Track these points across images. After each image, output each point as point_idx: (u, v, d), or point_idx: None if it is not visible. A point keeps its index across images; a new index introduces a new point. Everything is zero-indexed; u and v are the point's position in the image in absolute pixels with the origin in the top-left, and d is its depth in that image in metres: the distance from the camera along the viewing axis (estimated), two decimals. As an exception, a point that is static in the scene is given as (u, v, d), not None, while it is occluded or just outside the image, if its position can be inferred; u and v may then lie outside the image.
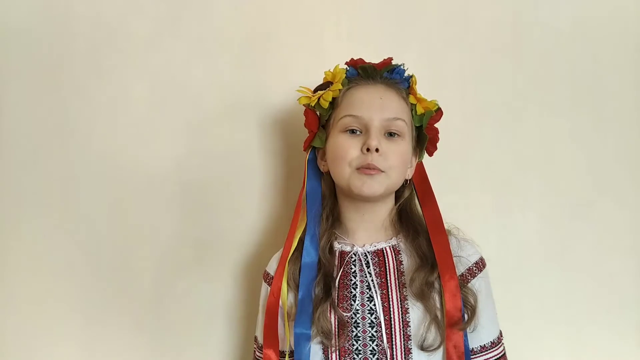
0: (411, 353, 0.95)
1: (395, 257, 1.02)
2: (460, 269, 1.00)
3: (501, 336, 1.03)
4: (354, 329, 0.97)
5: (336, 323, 0.98)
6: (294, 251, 1.04)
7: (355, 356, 0.96)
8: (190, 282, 1.26)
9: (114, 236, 1.27)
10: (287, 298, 1.02)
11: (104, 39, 1.30)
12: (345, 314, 0.98)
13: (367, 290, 0.99)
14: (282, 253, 1.05)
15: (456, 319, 0.95)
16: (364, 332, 0.97)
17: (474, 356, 0.99)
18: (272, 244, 1.23)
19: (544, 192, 1.27)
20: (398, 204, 1.06)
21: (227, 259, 1.26)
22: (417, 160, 1.08)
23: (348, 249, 1.03)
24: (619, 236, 1.28)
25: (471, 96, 1.28)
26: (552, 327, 1.25)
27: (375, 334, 0.97)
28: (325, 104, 1.03)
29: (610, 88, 1.29)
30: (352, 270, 1.01)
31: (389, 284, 0.99)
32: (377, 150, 0.97)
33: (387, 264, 1.01)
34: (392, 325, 0.97)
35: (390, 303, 0.98)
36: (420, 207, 1.06)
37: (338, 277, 1.01)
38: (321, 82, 1.07)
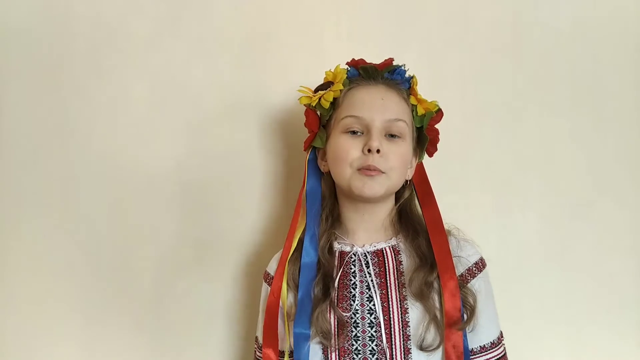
0: (410, 353, 0.95)
1: (395, 257, 1.02)
2: (460, 269, 1.00)
3: (502, 337, 1.03)
4: (353, 329, 0.97)
5: (335, 323, 0.98)
6: (294, 251, 1.04)
7: (354, 356, 0.96)
8: (190, 282, 1.26)
9: (114, 236, 1.27)
10: (286, 298, 1.02)
11: (104, 39, 1.30)
12: (344, 314, 0.98)
13: (367, 290, 0.99)
14: (281, 253, 1.05)
15: (455, 318, 0.95)
16: (364, 332, 0.97)
17: (474, 356, 0.99)
18: (272, 244, 1.23)
19: (544, 192, 1.27)
20: (398, 205, 1.06)
21: (227, 259, 1.26)
22: (417, 161, 1.08)
23: (348, 249, 1.03)
24: (619, 236, 1.28)
25: (471, 96, 1.29)
26: (552, 327, 1.25)
27: (374, 334, 0.97)
28: (326, 104, 1.03)
29: (610, 88, 1.29)
30: (352, 271, 1.01)
31: (388, 284, 0.99)
32: (378, 151, 0.97)
33: (386, 264, 1.01)
34: (392, 325, 0.97)
35: (390, 303, 0.98)
36: (420, 207, 1.06)
37: (337, 277, 1.01)
38: (321, 82, 1.07)
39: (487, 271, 1.03)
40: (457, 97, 1.26)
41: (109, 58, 1.30)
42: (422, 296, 0.97)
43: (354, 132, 1.00)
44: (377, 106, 1.00)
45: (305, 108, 1.07)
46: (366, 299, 0.99)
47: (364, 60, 1.06)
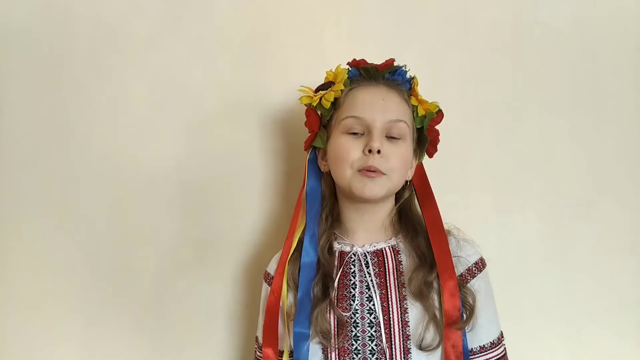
0: (410, 353, 0.95)
1: (395, 257, 1.02)
2: (460, 269, 1.00)
3: (502, 337, 1.03)
4: (353, 329, 0.97)
5: (335, 323, 0.98)
6: (294, 251, 1.04)
7: (354, 356, 0.96)
8: (190, 282, 1.26)
9: (114, 236, 1.27)
10: (286, 298, 1.02)
11: (104, 39, 1.30)
12: (344, 314, 0.98)
13: (367, 290, 0.99)
14: (281, 253, 1.05)
15: (454, 318, 0.95)
16: (363, 331, 0.97)
17: (474, 356, 0.99)
18: (272, 244, 1.23)
19: (544, 192, 1.27)
20: (398, 205, 1.06)
21: (227, 259, 1.26)
22: (417, 161, 1.08)
23: (347, 249, 1.03)
24: (619, 236, 1.27)
25: (471, 96, 1.28)
26: (552, 327, 1.25)
27: (374, 333, 0.97)
28: (327, 104, 1.03)
29: (610, 88, 1.29)
30: (352, 270, 1.01)
31: (388, 284, 0.99)
32: (378, 151, 0.97)
33: (386, 264, 1.01)
34: (391, 325, 0.97)
35: (390, 303, 0.98)
36: (420, 207, 1.06)
37: (337, 277, 1.01)
38: (321, 82, 1.07)
39: (487, 271, 1.03)
40: (457, 97, 1.26)
41: (109, 58, 1.30)
42: (421, 296, 0.97)
43: (355, 133, 1.00)
44: (378, 107, 1.00)
45: (306, 108, 1.07)
46: (366, 299, 0.99)
47: (365, 61, 1.06)
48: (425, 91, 1.07)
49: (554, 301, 1.26)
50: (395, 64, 1.05)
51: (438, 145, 1.09)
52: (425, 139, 1.07)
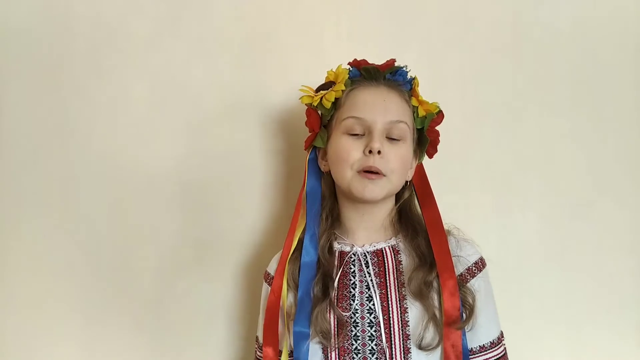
0: (410, 352, 0.95)
1: (395, 257, 1.02)
2: (460, 268, 1.00)
3: (502, 337, 1.03)
4: (353, 329, 0.97)
5: (335, 322, 0.98)
6: (294, 251, 1.04)
7: (354, 355, 0.96)
8: (190, 282, 1.26)
9: (114, 236, 1.27)
10: (286, 297, 1.02)
11: (104, 39, 1.30)
12: (344, 314, 0.98)
13: (366, 290, 0.99)
14: (282, 252, 1.05)
15: (454, 318, 0.95)
16: (363, 331, 0.97)
17: (474, 356, 0.99)
18: (272, 244, 1.23)
19: (544, 192, 1.27)
20: (398, 205, 1.06)
21: (227, 259, 1.26)
22: (417, 162, 1.08)
23: (347, 248, 1.03)
24: (619, 236, 1.27)
25: (471, 96, 1.29)
26: (552, 327, 1.25)
27: (374, 333, 0.97)
28: (328, 104, 1.03)
29: (610, 88, 1.29)
30: (352, 270, 1.01)
31: (388, 284, 0.99)
32: (379, 152, 0.97)
33: (386, 264, 1.01)
34: (391, 325, 0.97)
35: (389, 302, 0.98)
36: (420, 207, 1.06)
37: (337, 277, 1.01)
38: (321, 82, 1.07)
39: (487, 271, 1.03)
40: (457, 97, 1.26)
41: (109, 58, 1.30)
42: (421, 295, 0.97)
43: (355, 134, 1.00)
44: (379, 107, 1.00)
45: (306, 107, 1.07)
46: (366, 299, 0.99)
47: (366, 61, 1.05)
48: (425, 91, 1.07)
49: (554, 301, 1.26)
50: (395, 64, 1.05)
51: (438, 146, 1.09)
52: (425, 139, 1.07)
